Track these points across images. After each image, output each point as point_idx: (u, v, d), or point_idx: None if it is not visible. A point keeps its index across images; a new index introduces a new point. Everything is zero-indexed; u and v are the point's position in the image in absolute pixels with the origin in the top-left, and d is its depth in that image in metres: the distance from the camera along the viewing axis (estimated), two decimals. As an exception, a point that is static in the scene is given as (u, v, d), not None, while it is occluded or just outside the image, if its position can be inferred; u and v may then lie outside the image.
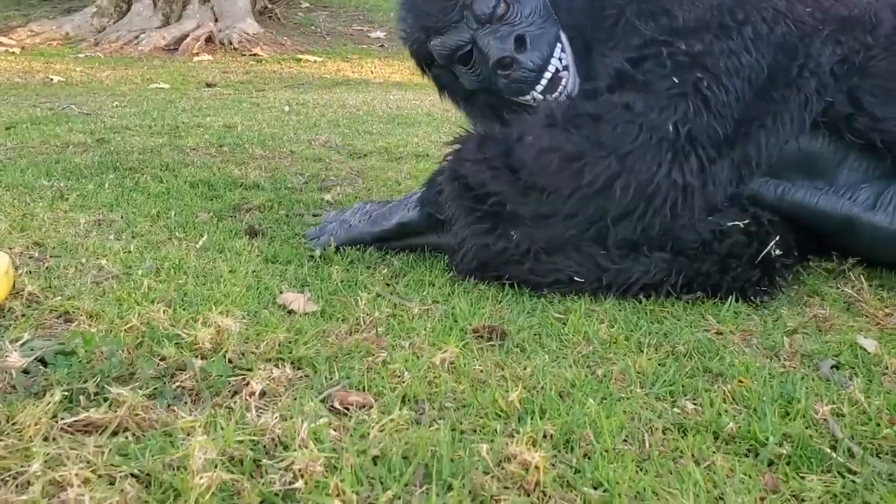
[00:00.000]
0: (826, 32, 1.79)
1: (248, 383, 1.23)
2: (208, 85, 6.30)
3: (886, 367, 1.43)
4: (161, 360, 1.30)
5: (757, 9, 1.77)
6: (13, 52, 7.73)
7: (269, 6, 9.32)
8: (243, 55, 8.10)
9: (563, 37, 1.99)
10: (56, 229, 2.08)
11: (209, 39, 8.35)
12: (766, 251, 1.74)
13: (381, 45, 8.91)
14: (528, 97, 1.99)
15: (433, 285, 1.80)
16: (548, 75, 1.95)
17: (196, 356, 1.31)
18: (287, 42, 8.61)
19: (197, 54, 7.98)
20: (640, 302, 1.74)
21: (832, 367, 1.44)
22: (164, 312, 1.48)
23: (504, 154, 1.75)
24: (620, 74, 1.76)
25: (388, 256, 1.99)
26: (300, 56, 8.07)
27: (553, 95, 1.96)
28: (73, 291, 1.61)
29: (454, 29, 1.97)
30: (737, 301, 1.74)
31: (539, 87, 1.96)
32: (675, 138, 1.66)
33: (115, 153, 3.23)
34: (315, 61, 7.98)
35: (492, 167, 1.75)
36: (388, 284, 1.79)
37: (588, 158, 1.68)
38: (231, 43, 8.26)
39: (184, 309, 1.54)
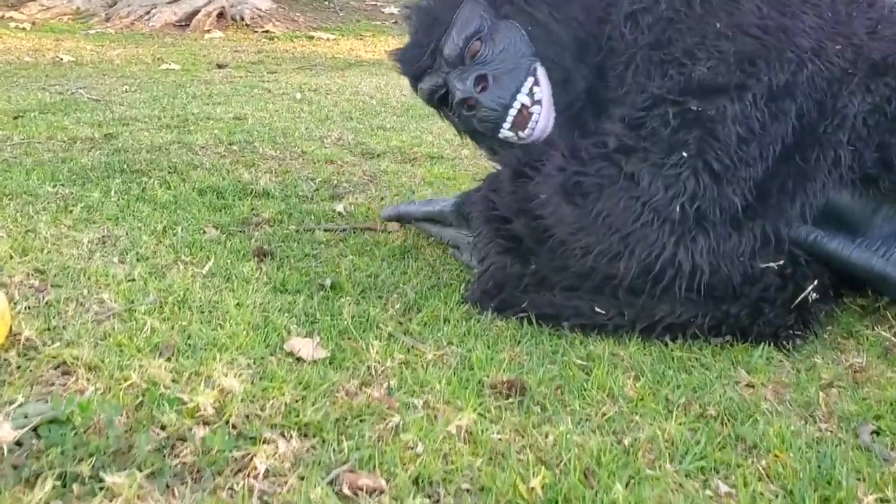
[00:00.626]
0: (857, 79, 1.67)
1: (252, 460, 1.15)
2: (219, 66, 6.19)
3: (930, 435, 1.34)
4: (161, 428, 1.23)
5: (780, 55, 1.65)
6: (24, 29, 7.63)
7: (282, -20, 9.17)
8: (255, 32, 7.97)
9: (540, 70, 1.90)
10: (59, 250, 2.01)
11: (221, 15, 8.21)
12: (802, 296, 1.65)
13: (395, 22, 8.75)
14: (501, 134, 1.93)
15: (448, 322, 1.72)
16: (513, 112, 1.89)
17: (198, 422, 1.24)
18: (300, 18, 8.47)
19: (208, 31, 7.85)
20: (667, 345, 1.66)
21: (872, 433, 1.36)
22: (165, 366, 1.40)
23: (530, 198, 1.69)
24: (626, 138, 1.67)
25: (401, 285, 1.91)
26: (313, 34, 7.94)
27: (524, 132, 1.91)
28: (73, 335, 1.53)
29: (430, 73, 1.99)
30: (768, 345, 1.66)
31: (506, 125, 1.91)
32: (682, 218, 1.59)
33: (123, 151, 3.14)
34: (328, 39, 7.84)
35: (519, 205, 1.72)
36: (400, 322, 1.71)
37: (592, 235, 1.66)
38: (243, 19, 8.12)
39: (187, 357, 1.47)
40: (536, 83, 1.90)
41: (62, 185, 2.63)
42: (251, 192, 2.64)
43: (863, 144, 1.65)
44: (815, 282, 1.67)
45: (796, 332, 1.66)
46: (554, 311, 1.71)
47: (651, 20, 1.76)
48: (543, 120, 1.90)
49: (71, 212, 2.33)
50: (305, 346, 1.53)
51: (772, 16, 1.67)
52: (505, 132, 1.92)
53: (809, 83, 1.64)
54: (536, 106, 1.89)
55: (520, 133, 1.91)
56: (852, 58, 1.69)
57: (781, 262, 1.65)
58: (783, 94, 1.63)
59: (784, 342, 1.65)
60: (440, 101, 2.03)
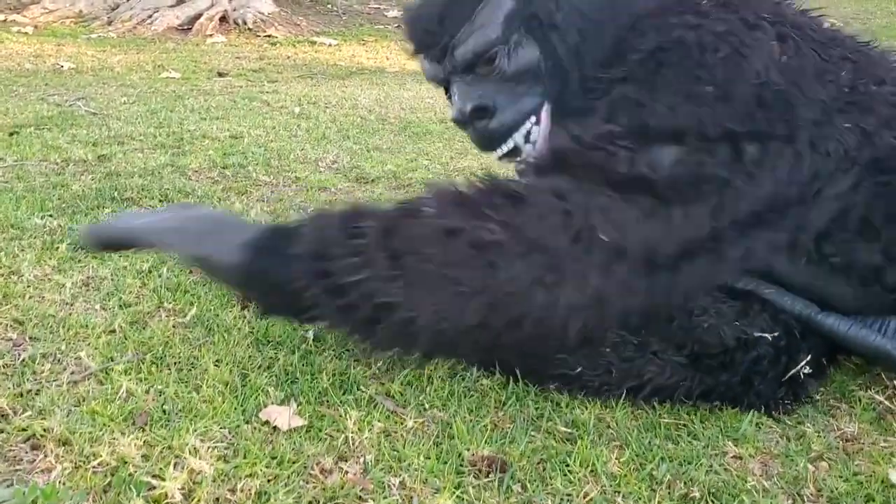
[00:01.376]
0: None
1: (217, 558, 1.12)
2: (220, 74, 6.16)
3: (920, 521, 1.31)
4: (126, 517, 1.19)
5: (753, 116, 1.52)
6: (26, 33, 7.61)
7: (286, -17, 9.14)
8: (258, 36, 7.94)
9: (545, 110, 1.79)
10: (41, 295, 1.98)
11: (223, 19, 8.18)
12: (794, 371, 1.61)
13: (398, 25, 8.71)
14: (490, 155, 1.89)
15: (432, 382, 1.69)
16: (504, 148, 1.83)
17: (165, 511, 1.21)
18: (302, 22, 8.43)
19: (210, 35, 7.82)
20: (655, 409, 1.62)
21: (861, 517, 1.32)
22: (136, 441, 1.37)
23: None
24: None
25: (386, 337, 1.87)
26: (315, 39, 7.90)
27: (511, 163, 1.84)
28: (46, 401, 1.50)
29: (433, 62, 1.86)
30: (759, 410, 1.62)
31: (496, 154, 1.86)
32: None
33: (116, 175, 3.12)
34: (330, 45, 7.81)
35: None
36: (382, 383, 1.67)
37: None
38: (245, 23, 8.09)
39: (161, 427, 1.44)
40: (537, 123, 1.81)
41: (51, 215, 2.60)
42: (241, 225, 2.60)
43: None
44: (809, 356, 1.62)
45: (787, 403, 1.62)
46: (539, 374, 1.67)
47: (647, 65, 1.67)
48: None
49: (57, 249, 2.29)
50: (282, 415, 1.50)
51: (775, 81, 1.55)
52: (494, 156, 1.87)
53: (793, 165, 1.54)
54: (529, 146, 1.83)
55: (508, 162, 1.86)
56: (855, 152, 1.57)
57: (777, 334, 1.60)
58: (758, 171, 1.52)
59: (774, 412, 1.61)
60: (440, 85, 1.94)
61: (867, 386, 1.73)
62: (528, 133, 1.82)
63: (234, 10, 8.29)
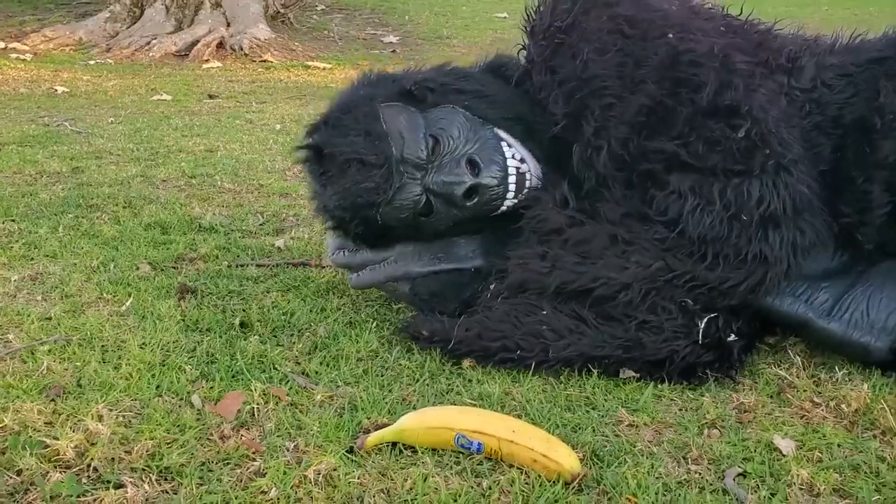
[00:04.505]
0: None
1: (96, 506, 1.18)
2: (210, 97, 6.26)
3: (793, 478, 1.34)
4: (17, 473, 1.25)
5: None
6: (24, 60, 7.76)
7: (282, 11, 9.28)
8: (253, 61, 8.05)
9: (501, 133, 1.87)
10: (-15, 288, 2.05)
11: (220, 45, 8.31)
12: (700, 329, 1.67)
13: (394, 51, 8.83)
14: (505, 206, 1.86)
15: (350, 360, 1.74)
16: (512, 179, 1.84)
17: (56, 467, 1.26)
18: (298, 47, 8.55)
19: (207, 60, 7.94)
20: (561, 384, 1.67)
21: (738, 476, 1.36)
22: (44, 409, 1.43)
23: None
24: None
25: (315, 323, 1.92)
26: (309, 63, 8.02)
27: (523, 193, 1.85)
28: (-34, 376, 1.57)
29: (401, 189, 1.81)
30: (664, 382, 1.67)
31: (510, 195, 1.85)
32: None
33: (86, 185, 3.20)
34: (324, 68, 7.92)
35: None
36: (299, 363, 1.73)
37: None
38: (242, 49, 8.21)
39: (75, 399, 1.50)
40: (508, 144, 1.87)
41: (13, 220, 2.67)
42: (196, 227, 2.67)
43: None
44: (712, 315, 1.68)
45: (713, 371, 1.67)
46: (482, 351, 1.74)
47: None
48: (534, 171, 1.88)
49: (11, 248, 2.37)
50: (198, 390, 1.56)
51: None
52: (509, 202, 1.86)
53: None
54: (524, 164, 1.87)
55: (520, 196, 1.86)
56: None
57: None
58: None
59: (697, 380, 1.67)
60: (422, 212, 1.85)
61: (776, 364, 1.77)
62: (513, 154, 1.86)
63: (231, 36, 8.42)
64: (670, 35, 1.75)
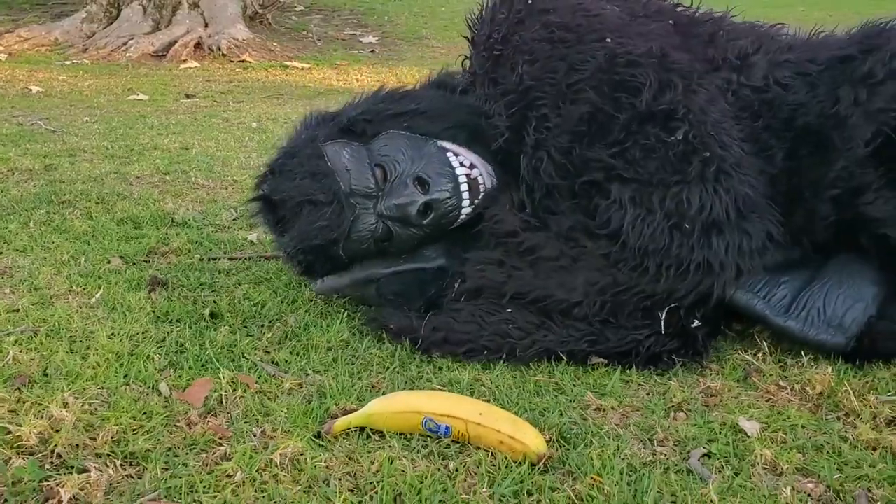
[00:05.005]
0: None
1: (58, 491, 1.17)
2: (187, 96, 6.24)
3: (757, 458, 1.36)
4: (-21, 459, 1.24)
5: None
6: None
7: (260, 12, 9.26)
8: (231, 62, 8.03)
9: (445, 143, 1.88)
10: (-46, 282, 2.04)
11: (198, 45, 8.28)
12: (662, 321, 1.68)
13: (372, 51, 8.83)
14: (463, 215, 1.87)
15: (320, 349, 1.74)
16: (464, 187, 1.84)
17: (19, 453, 1.26)
18: (276, 48, 8.53)
19: (185, 61, 7.91)
20: (531, 370, 1.68)
21: (703, 456, 1.37)
22: (5, 398, 1.42)
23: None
24: None
25: (285, 314, 1.92)
26: (287, 63, 8.00)
27: (479, 198, 1.86)
28: (-69, 366, 1.56)
29: (356, 221, 1.83)
30: (631, 368, 1.68)
31: (465, 202, 1.85)
32: None
33: (59, 182, 3.18)
34: (302, 68, 7.91)
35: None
36: (268, 352, 1.73)
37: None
38: (220, 49, 8.19)
39: (40, 388, 1.49)
40: (455, 153, 1.87)
41: (-16, 216, 2.66)
42: (169, 222, 2.66)
43: None
44: (675, 304, 1.69)
45: (680, 357, 1.68)
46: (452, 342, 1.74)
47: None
48: (486, 175, 1.88)
49: (-20, 244, 2.35)
50: (166, 379, 1.55)
51: None
52: (466, 210, 1.86)
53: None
54: (474, 169, 1.87)
55: (476, 202, 1.86)
56: None
57: None
58: None
59: (664, 366, 1.68)
60: (382, 238, 1.87)
61: (744, 349, 1.79)
62: (461, 161, 1.87)
63: (209, 36, 8.39)
64: (608, 39, 1.74)
